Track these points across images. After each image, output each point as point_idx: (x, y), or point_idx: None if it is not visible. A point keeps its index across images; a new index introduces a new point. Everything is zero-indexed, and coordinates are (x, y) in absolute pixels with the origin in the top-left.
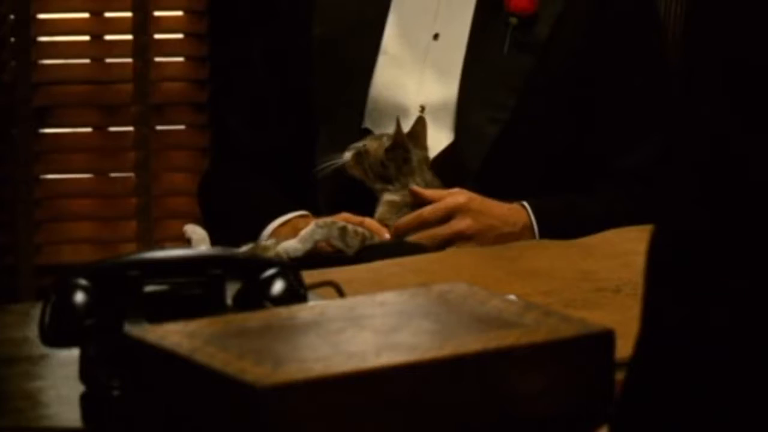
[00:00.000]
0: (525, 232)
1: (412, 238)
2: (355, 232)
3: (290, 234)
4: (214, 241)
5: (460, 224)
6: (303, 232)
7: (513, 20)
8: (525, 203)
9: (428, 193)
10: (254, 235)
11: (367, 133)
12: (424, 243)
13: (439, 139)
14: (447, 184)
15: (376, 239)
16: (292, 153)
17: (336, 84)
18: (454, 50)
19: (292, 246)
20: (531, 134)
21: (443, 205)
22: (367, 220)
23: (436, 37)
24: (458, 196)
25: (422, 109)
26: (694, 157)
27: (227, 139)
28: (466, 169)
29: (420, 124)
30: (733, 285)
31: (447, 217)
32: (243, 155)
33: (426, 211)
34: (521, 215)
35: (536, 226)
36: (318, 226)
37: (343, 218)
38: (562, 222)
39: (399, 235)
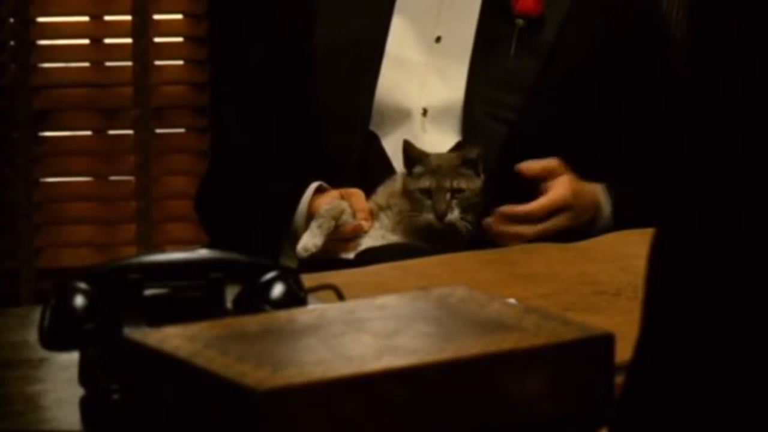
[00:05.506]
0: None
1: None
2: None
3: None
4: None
5: (559, 222)
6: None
7: (520, 22)
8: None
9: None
10: (259, 239)
11: (372, 136)
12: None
13: (443, 141)
14: None
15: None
16: (295, 158)
17: (341, 88)
18: (458, 53)
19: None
20: (538, 135)
21: (551, 204)
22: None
23: (438, 40)
24: (563, 190)
25: (425, 111)
26: (695, 165)
27: (229, 144)
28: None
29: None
30: (733, 290)
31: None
32: (245, 161)
33: (534, 209)
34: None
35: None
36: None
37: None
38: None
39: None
